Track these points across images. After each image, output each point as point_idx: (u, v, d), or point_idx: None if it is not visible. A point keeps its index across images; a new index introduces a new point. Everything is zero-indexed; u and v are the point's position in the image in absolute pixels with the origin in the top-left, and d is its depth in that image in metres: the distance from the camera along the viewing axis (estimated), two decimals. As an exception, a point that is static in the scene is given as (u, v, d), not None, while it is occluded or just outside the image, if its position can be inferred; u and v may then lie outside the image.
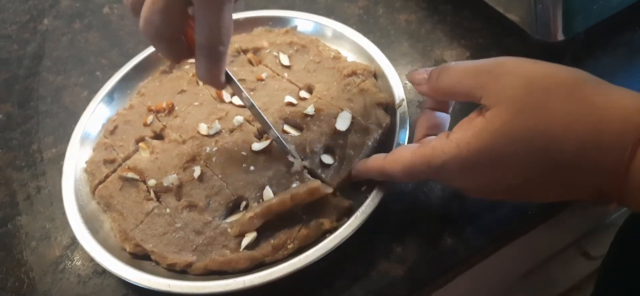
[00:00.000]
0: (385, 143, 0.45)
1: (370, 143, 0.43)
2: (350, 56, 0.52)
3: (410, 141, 0.43)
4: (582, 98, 0.28)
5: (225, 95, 0.49)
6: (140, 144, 0.47)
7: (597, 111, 0.27)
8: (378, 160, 0.38)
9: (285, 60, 0.52)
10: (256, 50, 0.53)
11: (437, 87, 0.35)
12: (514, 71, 0.30)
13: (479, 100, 0.32)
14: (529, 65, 0.30)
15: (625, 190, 0.27)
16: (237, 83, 0.41)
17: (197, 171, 0.43)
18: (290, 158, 0.43)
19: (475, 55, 0.53)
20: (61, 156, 0.50)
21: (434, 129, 0.39)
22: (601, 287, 0.47)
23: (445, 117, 0.39)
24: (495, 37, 0.54)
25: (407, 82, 0.40)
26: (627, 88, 0.29)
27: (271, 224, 0.40)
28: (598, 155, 0.27)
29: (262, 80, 0.50)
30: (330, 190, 0.41)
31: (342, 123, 0.44)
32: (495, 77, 0.31)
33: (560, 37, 0.45)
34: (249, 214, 0.40)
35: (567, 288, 0.97)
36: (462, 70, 0.33)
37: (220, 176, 0.43)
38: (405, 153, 0.35)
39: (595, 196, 0.29)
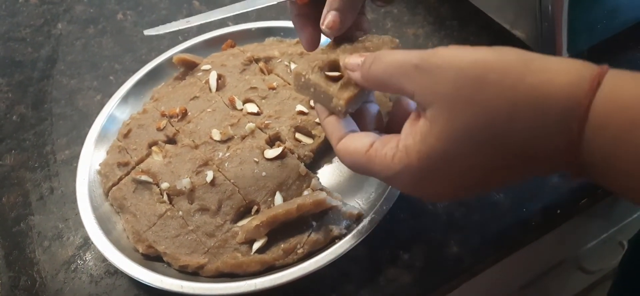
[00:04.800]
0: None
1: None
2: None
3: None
4: (516, 82, 0.26)
5: (238, 102, 0.50)
6: (153, 148, 0.48)
7: (534, 94, 0.25)
8: (335, 132, 0.35)
9: (296, 69, 0.53)
10: (268, 60, 0.55)
11: (368, 76, 0.32)
12: (442, 63, 0.28)
13: (411, 98, 0.30)
14: (457, 53, 0.28)
15: (581, 164, 0.25)
16: None
17: (209, 175, 0.44)
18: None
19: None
20: (74, 158, 0.51)
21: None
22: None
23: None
24: (501, 52, 0.55)
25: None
26: (557, 57, 0.27)
27: (282, 229, 0.41)
28: (546, 141, 0.26)
29: (273, 88, 0.51)
30: (336, 202, 0.42)
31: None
32: (423, 72, 0.28)
33: (565, 54, 0.46)
34: (255, 222, 0.41)
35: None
36: (391, 61, 0.30)
37: (232, 181, 0.44)
38: (359, 149, 0.32)
39: (556, 169, 0.28)
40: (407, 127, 0.30)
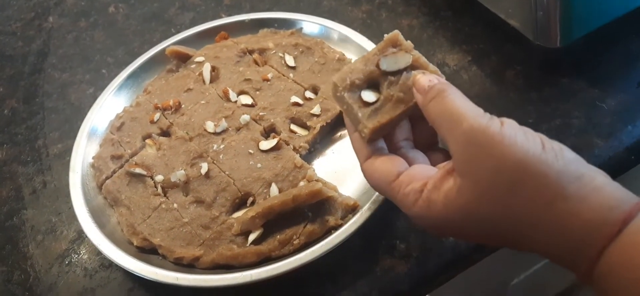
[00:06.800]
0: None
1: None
2: (354, 59, 0.53)
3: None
4: (547, 204, 0.27)
5: (232, 94, 0.50)
6: (147, 141, 0.48)
7: (558, 222, 0.27)
8: (362, 150, 0.36)
9: (290, 61, 0.52)
10: (262, 51, 0.54)
11: (426, 108, 0.32)
12: (486, 147, 0.28)
13: (451, 154, 0.30)
14: (506, 141, 0.28)
15: (588, 282, 0.28)
16: None
17: (204, 167, 0.44)
18: None
19: (476, 60, 0.54)
20: (67, 151, 0.51)
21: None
22: None
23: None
24: (496, 42, 0.55)
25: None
26: (599, 183, 0.27)
27: (278, 220, 0.41)
28: (559, 260, 0.28)
29: (267, 80, 0.51)
30: (332, 193, 0.41)
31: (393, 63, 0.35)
32: (467, 142, 0.29)
33: (560, 43, 0.46)
34: (251, 213, 0.40)
35: (559, 291, 0.99)
36: (447, 110, 0.31)
37: (227, 172, 0.44)
38: (384, 177, 0.34)
39: None
40: (437, 178, 0.31)
